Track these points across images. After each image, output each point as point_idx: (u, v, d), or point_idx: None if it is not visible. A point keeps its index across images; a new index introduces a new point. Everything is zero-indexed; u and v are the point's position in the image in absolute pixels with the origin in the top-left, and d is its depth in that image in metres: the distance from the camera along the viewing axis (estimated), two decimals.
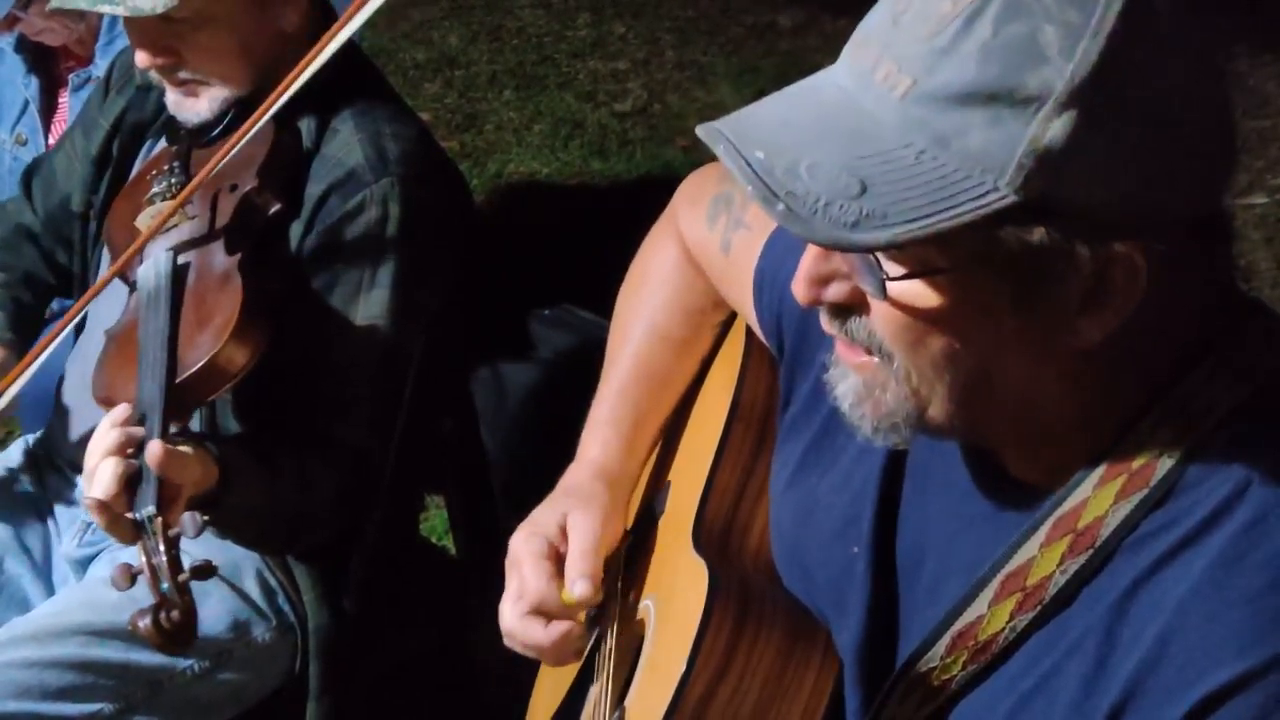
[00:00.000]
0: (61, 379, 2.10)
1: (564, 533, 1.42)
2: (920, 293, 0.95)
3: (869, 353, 1.01)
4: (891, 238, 0.90)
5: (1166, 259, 0.93)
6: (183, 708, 1.87)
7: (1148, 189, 0.92)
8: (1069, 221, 0.91)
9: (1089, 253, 0.92)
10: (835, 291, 1.01)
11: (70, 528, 2.03)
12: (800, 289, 1.02)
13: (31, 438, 2.18)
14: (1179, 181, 0.93)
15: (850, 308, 1.01)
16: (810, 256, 1.01)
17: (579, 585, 1.36)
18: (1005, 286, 0.94)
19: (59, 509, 2.07)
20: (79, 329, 2.07)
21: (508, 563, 1.42)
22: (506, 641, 1.39)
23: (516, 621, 1.37)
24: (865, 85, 0.94)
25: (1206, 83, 0.94)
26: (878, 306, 0.98)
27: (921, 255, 0.94)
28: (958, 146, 0.90)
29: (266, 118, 1.74)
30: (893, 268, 0.95)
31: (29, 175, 2.21)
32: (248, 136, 1.74)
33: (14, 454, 2.16)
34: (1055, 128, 0.88)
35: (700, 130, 0.96)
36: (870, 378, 1.02)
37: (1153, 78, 0.90)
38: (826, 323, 1.04)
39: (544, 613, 1.36)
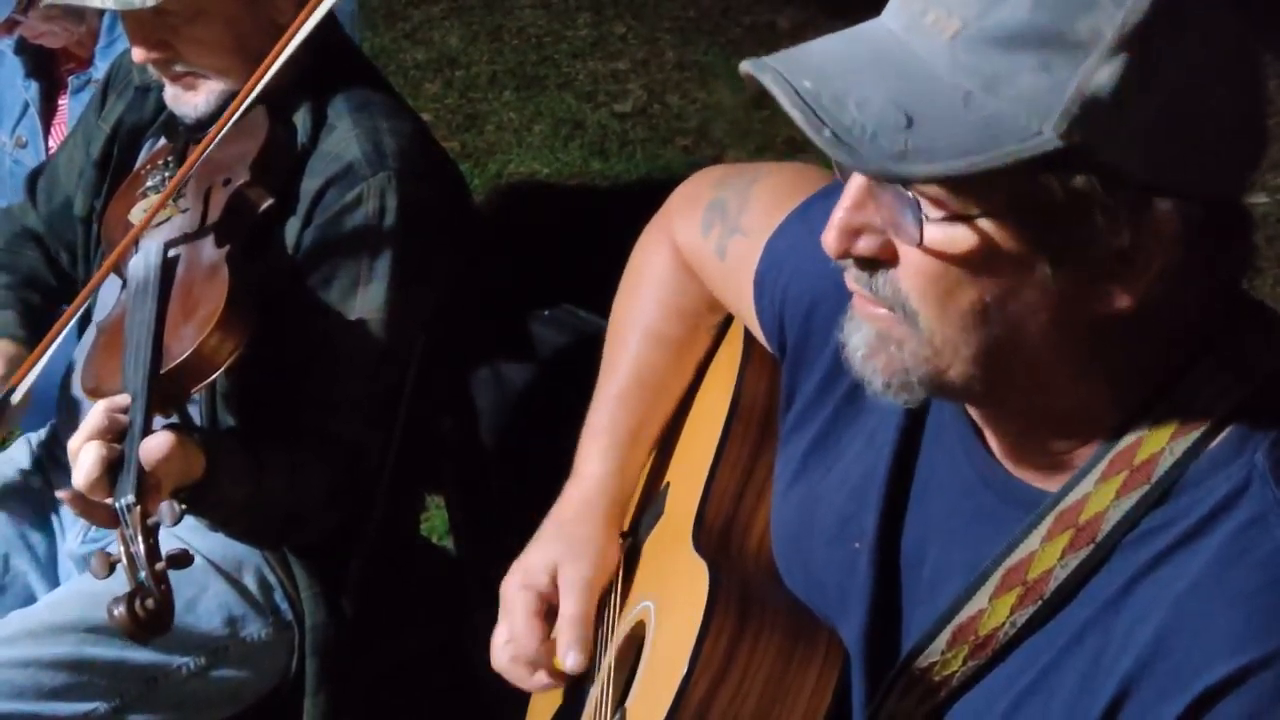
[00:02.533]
0: (66, 377, 2.10)
1: (554, 582, 1.45)
2: (957, 239, 0.95)
3: (890, 311, 1.01)
4: (937, 171, 0.91)
5: (1198, 239, 0.94)
6: (179, 705, 1.87)
7: (1187, 156, 0.92)
8: (1111, 174, 0.91)
9: (1130, 210, 0.92)
10: (866, 244, 1.00)
11: (74, 525, 2.03)
12: (831, 239, 1.01)
13: (34, 436, 2.18)
14: (1217, 157, 0.94)
15: (879, 262, 1.00)
16: (844, 207, 1.01)
17: (570, 658, 1.40)
18: (1045, 238, 0.94)
19: (63, 506, 2.07)
20: (84, 327, 2.07)
21: (501, 604, 1.45)
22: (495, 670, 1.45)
23: (505, 663, 1.44)
24: (914, 29, 0.95)
25: (1246, 64, 0.95)
26: (909, 257, 0.98)
27: (963, 199, 0.94)
28: (1006, 90, 0.91)
29: (241, 110, 1.75)
30: (933, 210, 0.95)
31: (33, 179, 2.22)
32: (225, 128, 1.75)
33: (18, 452, 2.16)
34: (1102, 75, 0.89)
35: (747, 64, 0.96)
36: (885, 330, 1.02)
37: (1201, 45, 0.91)
38: (852, 278, 1.03)
39: (531, 663, 1.42)
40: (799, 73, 0.94)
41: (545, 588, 1.44)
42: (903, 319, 1.00)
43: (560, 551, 1.46)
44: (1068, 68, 0.90)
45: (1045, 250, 0.94)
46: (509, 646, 1.42)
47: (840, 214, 1.01)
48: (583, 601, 1.43)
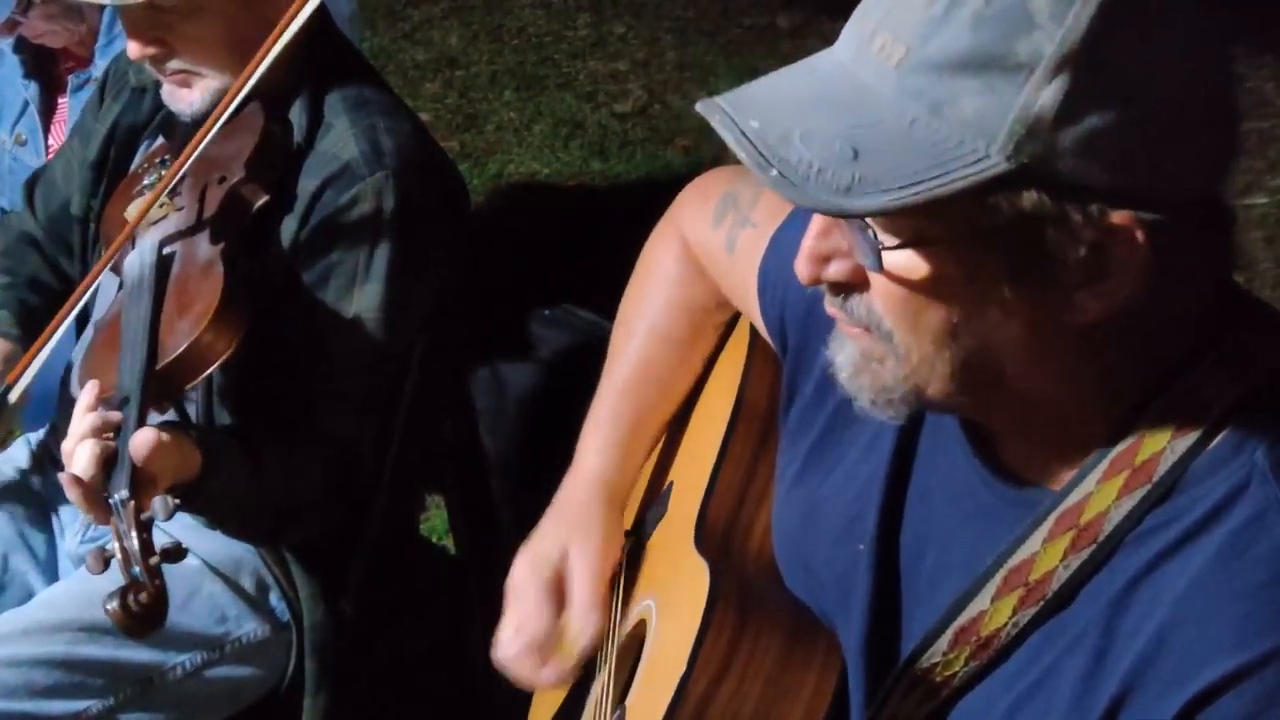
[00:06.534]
0: (66, 376, 2.10)
1: (565, 564, 1.44)
2: (916, 265, 0.96)
3: (869, 331, 1.02)
4: (884, 203, 0.91)
5: (1167, 242, 0.93)
6: (176, 705, 1.87)
7: (1142, 164, 0.92)
8: (1062, 190, 0.91)
9: (1085, 223, 0.92)
10: (836, 270, 1.02)
11: (74, 524, 2.03)
12: (802, 267, 1.02)
13: (34, 435, 2.18)
14: (1175, 161, 0.93)
15: (851, 286, 1.02)
16: (811, 235, 1.02)
17: (587, 630, 1.39)
18: (1001, 258, 0.94)
19: (63, 506, 2.07)
20: (84, 326, 2.07)
21: (509, 591, 1.44)
22: (499, 667, 1.41)
23: (513, 655, 1.40)
24: (862, 57, 0.95)
25: (1205, 66, 0.94)
26: (876, 281, 0.99)
27: (916, 225, 0.94)
28: (951, 114, 0.91)
29: (230, 111, 1.75)
30: (888, 238, 0.95)
31: (31, 185, 2.22)
32: (216, 127, 1.75)
33: (17, 451, 2.16)
34: (1045, 95, 0.89)
35: (699, 105, 0.97)
36: (868, 348, 1.03)
37: (1147, 52, 0.91)
38: (828, 302, 1.05)
39: (542, 651, 1.39)
40: (746, 112, 0.95)
41: (556, 569, 1.43)
42: (881, 338, 1.01)
43: (567, 536, 1.45)
44: (1011, 90, 0.90)
45: (1003, 269, 0.95)
46: (519, 636, 1.40)
47: (808, 242, 1.02)
48: (595, 578, 1.42)
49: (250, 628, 1.93)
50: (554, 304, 2.40)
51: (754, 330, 1.45)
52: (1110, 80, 0.90)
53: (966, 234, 0.93)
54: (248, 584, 1.94)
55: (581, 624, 1.39)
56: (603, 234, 3.49)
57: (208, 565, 1.92)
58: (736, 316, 1.52)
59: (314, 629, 1.92)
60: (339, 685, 1.95)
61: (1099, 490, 1.02)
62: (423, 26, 5.07)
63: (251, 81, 1.74)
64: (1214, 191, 0.98)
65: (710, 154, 4.18)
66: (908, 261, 0.96)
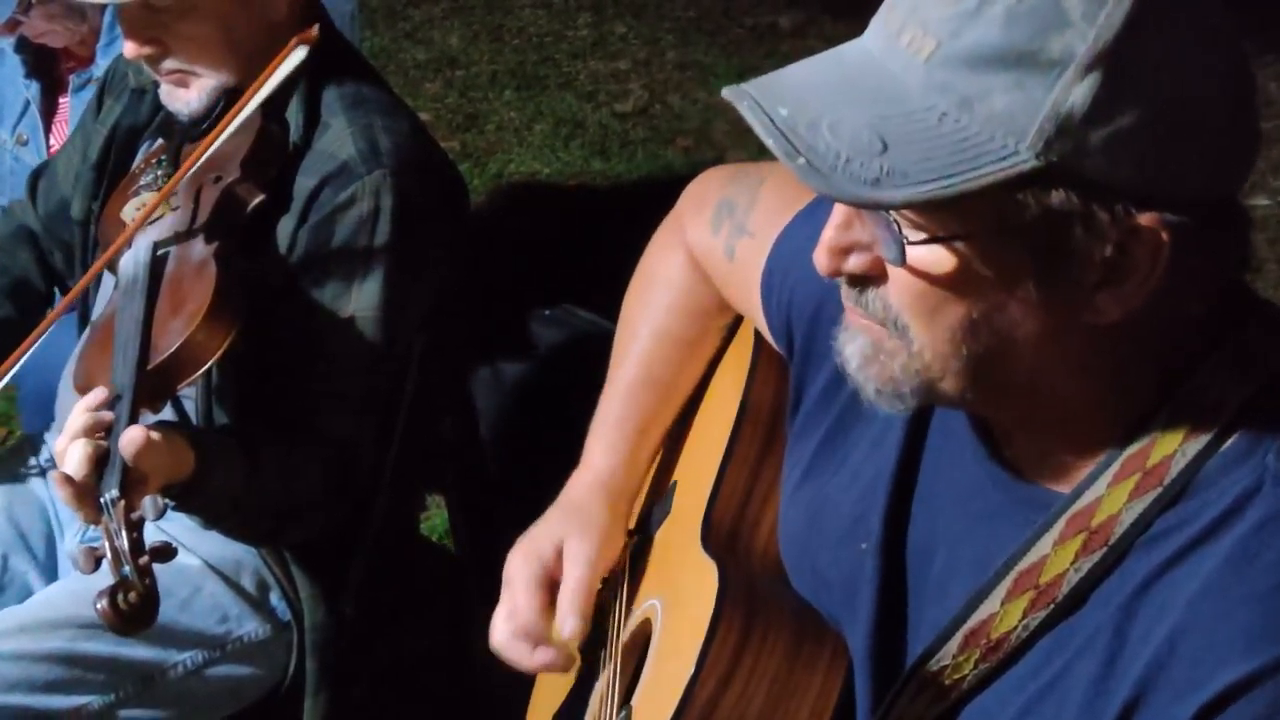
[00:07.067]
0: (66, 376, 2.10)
1: (560, 556, 1.43)
2: (940, 260, 0.95)
3: (882, 325, 1.01)
4: (911, 196, 0.91)
5: (1184, 242, 0.93)
6: (177, 702, 1.87)
7: (1169, 163, 0.92)
8: (1090, 189, 0.91)
9: (1110, 222, 0.92)
10: (855, 262, 1.01)
11: (73, 524, 2.02)
12: (821, 258, 1.02)
13: (35, 435, 2.18)
14: (1200, 160, 0.94)
15: (869, 279, 1.01)
16: (832, 226, 1.01)
17: (568, 624, 1.38)
18: (1025, 256, 0.94)
19: (62, 506, 2.06)
20: (84, 328, 2.07)
21: (504, 578, 1.44)
22: (494, 651, 1.41)
23: (506, 640, 1.40)
24: (891, 49, 0.95)
25: (1228, 65, 0.95)
26: (896, 275, 0.98)
27: (942, 220, 0.94)
28: (981, 109, 0.91)
29: (205, 157, 1.76)
30: (913, 232, 0.95)
31: (35, 178, 2.22)
32: (215, 144, 1.75)
33: (18, 451, 2.16)
34: (1077, 93, 0.89)
35: (726, 91, 0.96)
36: (878, 339, 1.02)
37: (1175, 50, 0.91)
38: (844, 294, 1.04)
39: (531, 638, 1.39)
40: (775, 100, 0.94)
41: (550, 561, 1.43)
42: (894, 333, 1.01)
43: (566, 528, 1.45)
44: (1041, 87, 0.90)
45: (1027, 267, 0.95)
46: (510, 621, 1.40)
47: (829, 234, 1.02)
48: (586, 572, 1.41)
49: (251, 627, 1.93)
50: (554, 304, 2.40)
51: (758, 333, 1.45)
52: (1143, 81, 0.90)
53: (993, 230, 0.93)
54: (249, 584, 1.94)
55: (566, 617, 1.38)
56: (603, 234, 3.49)
57: (209, 565, 1.92)
58: (740, 319, 1.52)
59: (314, 629, 1.92)
60: (339, 685, 1.95)
61: (1110, 493, 1.01)
62: (423, 26, 5.07)
63: (252, 105, 1.75)
64: (1225, 191, 0.98)
65: (711, 154, 4.18)
66: (931, 256, 0.95)
